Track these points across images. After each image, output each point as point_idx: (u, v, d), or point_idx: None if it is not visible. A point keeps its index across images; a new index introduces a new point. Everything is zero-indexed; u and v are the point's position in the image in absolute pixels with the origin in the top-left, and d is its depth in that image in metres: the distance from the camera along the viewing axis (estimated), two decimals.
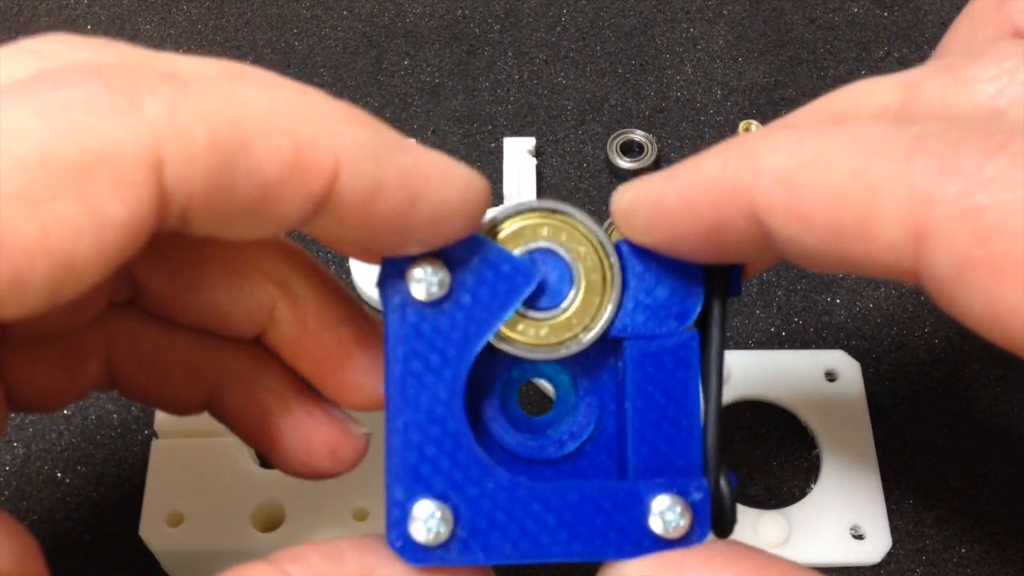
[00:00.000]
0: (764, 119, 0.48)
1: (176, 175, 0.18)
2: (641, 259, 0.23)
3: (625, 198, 0.22)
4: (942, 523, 0.37)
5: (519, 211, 0.23)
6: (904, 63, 0.50)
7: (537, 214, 0.23)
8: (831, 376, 0.39)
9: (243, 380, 0.26)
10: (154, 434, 0.36)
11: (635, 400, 0.23)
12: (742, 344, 0.41)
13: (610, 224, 0.23)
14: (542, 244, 0.23)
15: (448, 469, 0.22)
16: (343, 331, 0.25)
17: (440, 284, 0.22)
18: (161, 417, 0.36)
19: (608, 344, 0.23)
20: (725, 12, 0.52)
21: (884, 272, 0.19)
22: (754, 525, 0.36)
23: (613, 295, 0.23)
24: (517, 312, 0.23)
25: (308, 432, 0.26)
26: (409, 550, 0.21)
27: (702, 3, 0.53)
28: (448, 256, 0.22)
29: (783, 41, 0.51)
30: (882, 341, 0.42)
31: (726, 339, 0.23)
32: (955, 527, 0.37)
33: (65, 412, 0.40)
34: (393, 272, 0.22)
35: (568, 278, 0.23)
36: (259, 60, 0.51)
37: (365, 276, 0.42)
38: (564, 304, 0.23)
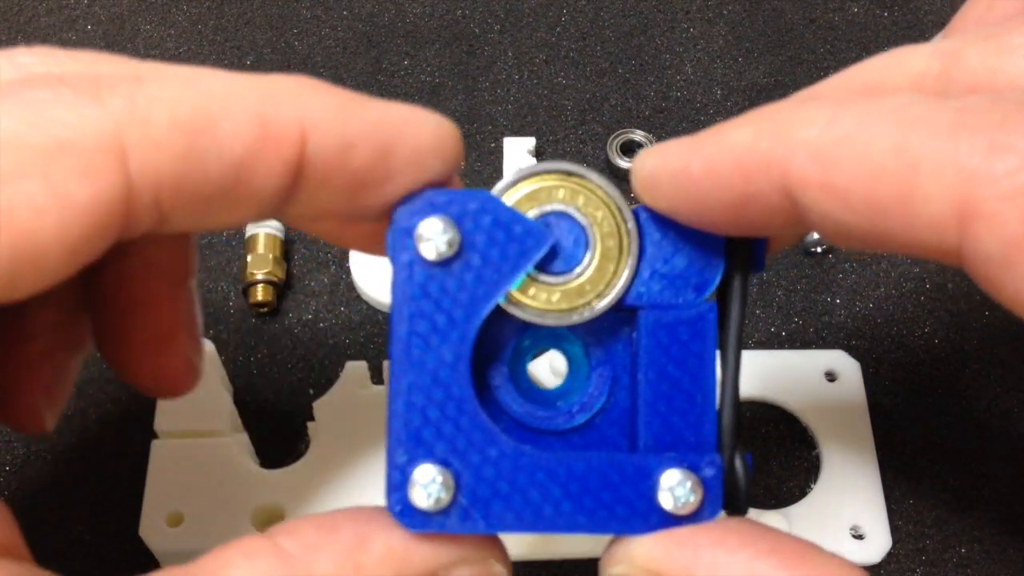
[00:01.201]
0: None
1: (141, 160, 0.18)
2: (660, 226, 0.22)
3: (647, 165, 0.22)
4: (942, 523, 0.37)
5: (535, 172, 0.22)
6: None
7: (554, 176, 0.22)
8: (831, 376, 0.39)
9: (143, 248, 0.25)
10: (154, 434, 0.36)
11: (648, 372, 0.22)
12: (742, 344, 0.41)
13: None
14: (557, 207, 0.22)
15: (451, 434, 0.21)
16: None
17: (449, 243, 0.21)
18: (161, 417, 0.36)
19: (623, 313, 0.23)
20: (725, 12, 0.52)
21: (924, 252, 0.18)
22: None
23: (629, 262, 0.22)
24: (529, 276, 0.22)
25: (167, 343, 0.26)
26: (408, 515, 0.21)
27: (702, 3, 0.53)
28: (459, 215, 0.21)
29: (783, 41, 0.51)
30: (882, 341, 0.42)
31: (746, 315, 0.22)
32: (955, 527, 0.37)
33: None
34: (401, 229, 0.21)
35: (583, 243, 0.22)
36: (259, 60, 0.51)
37: (365, 276, 0.42)
38: (578, 269, 0.22)
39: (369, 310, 0.43)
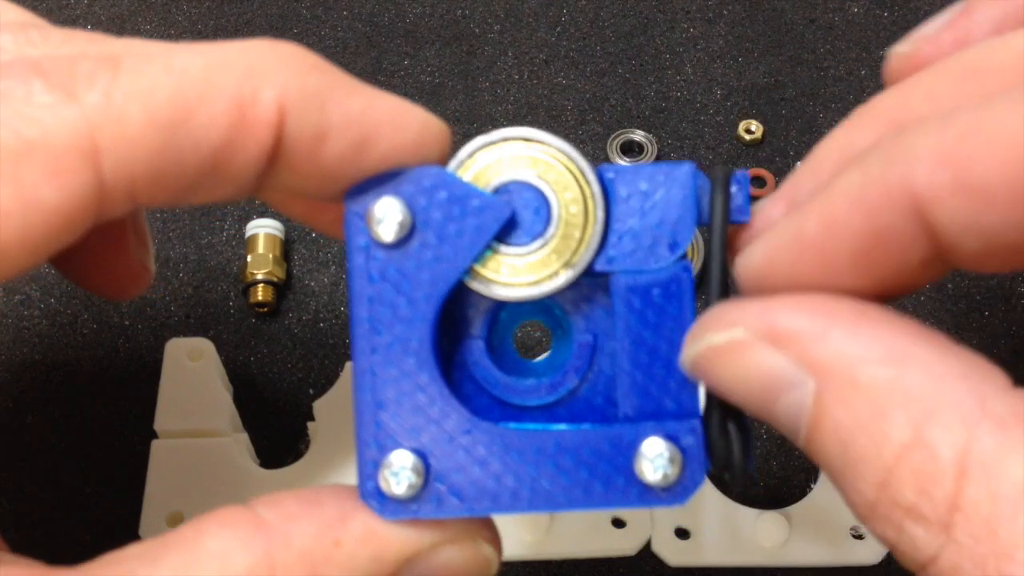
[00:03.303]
0: (764, 119, 0.48)
1: (115, 160, 0.18)
2: (627, 183, 0.21)
3: (755, 254, 0.20)
4: None
5: (491, 141, 0.22)
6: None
7: (510, 143, 0.21)
8: None
9: None
10: (154, 434, 0.36)
11: (623, 339, 0.21)
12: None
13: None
14: (516, 176, 0.21)
15: (420, 419, 0.21)
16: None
17: (404, 224, 0.21)
18: (161, 417, 0.36)
19: (599, 279, 0.22)
20: (725, 12, 0.52)
21: None
22: (753, 525, 0.36)
23: (596, 227, 0.21)
24: (491, 250, 0.21)
25: (118, 252, 0.26)
26: (381, 503, 0.21)
27: (702, 3, 0.53)
28: (412, 194, 0.21)
29: (783, 41, 0.51)
30: None
31: (728, 278, 0.21)
32: None
33: (65, 412, 0.40)
34: (354, 212, 0.21)
35: (545, 211, 0.21)
36: None
37: None
38: (542, 240, 0.21)
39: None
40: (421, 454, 0.21)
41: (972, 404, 0.17)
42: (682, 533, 0.36)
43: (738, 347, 0.19)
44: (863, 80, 0.50)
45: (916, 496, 0.16)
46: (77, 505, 0.37)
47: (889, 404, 0.17)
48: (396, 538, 0.21)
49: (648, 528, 0.36)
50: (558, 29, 0.52)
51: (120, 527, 0.36)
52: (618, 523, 0.36)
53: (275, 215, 0.44)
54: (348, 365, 0.38)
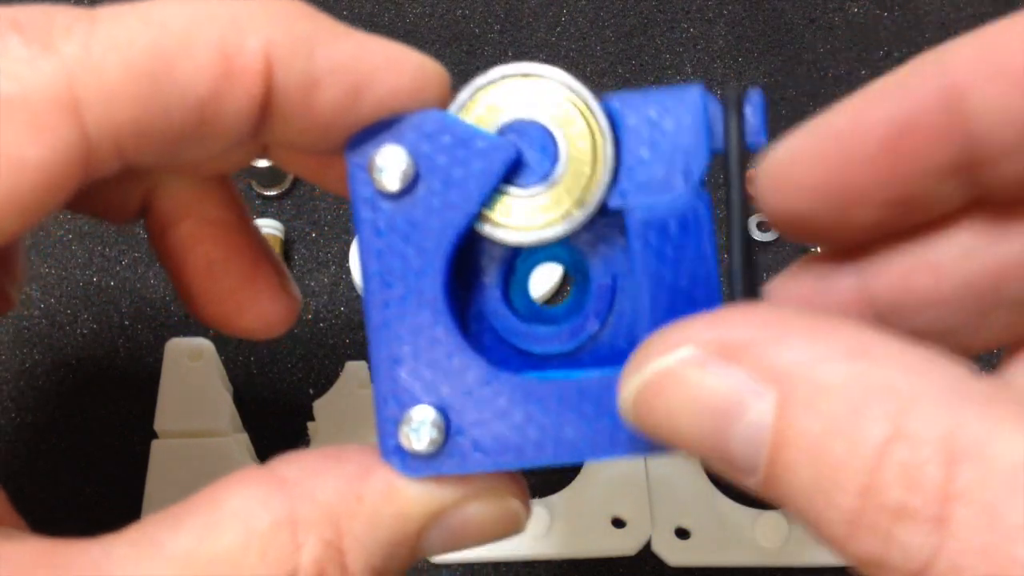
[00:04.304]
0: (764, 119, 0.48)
1: (97, 113, 0.18)
2: (634, 111, 0.20)
3: (780, 152, 0.19)
4: None
5: (491, 81, 0.21)
6: (904, 63, 0.50)
7: (513, 80, 0.21)
8: None
9: (186, 203, 0.25)
10: (154, 434, 0.36)
11: (642, 277, 0.20)
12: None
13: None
14: (519, 115, 0.20)
15: (438, 373, 0.20)
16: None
17: (408, 171, 0.20)
18: (161, 417, 0.36)
19: (614, 218, 0.21)
20: (725, 12, 0.52)
21: None
22: (753, 525, 0.36)
23: (605, 162, 0.20)
24: (500, 193, 0.20)
25: (248, 284, 0.25)
26: (402, 459, 0.20)
27: (702, 3, 0.53)
28: (415, 141, 0.20)
29: (783, 41, 0.51)
30: None
31: (749, 202, 0.20)
32: None
33: (65, 412, 0.40)
34: (356, 164, 0.20)
35: (552, 149, 0.20)
36: None
37: None
38: (551, 178, 0.20)
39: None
40: (441, 409, 0.20)
41: (949, 389, 0.15)
42: (682, 533, 0.36)
43: (687, 367, 0.17)
44: (863, 80, 0.49)
45: (904, 493, 0.15)
46: (77, 505, 0.37)
47: (862, 401, 0.15)
48: (419, 495, 0.20)
49: (648, 528, 0.36)
50: (558, 29, 0.52)
51: (120, 527, 0.36)
52: (618, 523, 0.36)
53: (275, 215, 0.44)
54: (348, 365, 0.38)
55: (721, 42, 0.51)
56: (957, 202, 0.19)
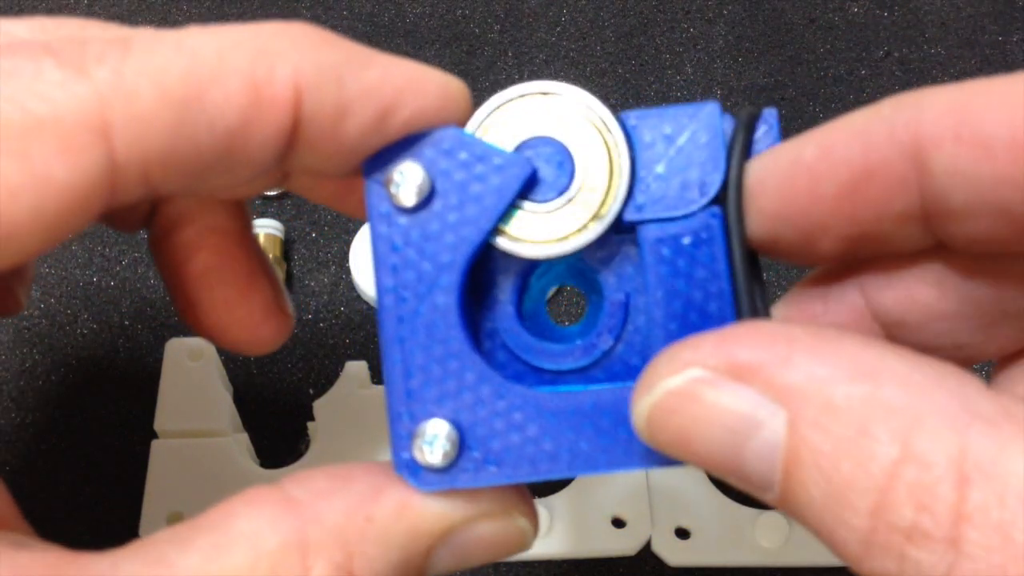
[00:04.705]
0: None
1: (127, 138, 0.18)
2: (650, 128, 0.21)
3: (755, 167, 0.20)
4: None
5: (508, 99, 0.21)
6: (904, 63, 0.50)
7: (529, 98, 0.21)
8: None
9: (192, 209, 0.25)
10: (154, 434, 0.36)
11: (656, 292, 0.20)
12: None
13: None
14: (536, 131, 0.21)
15: (452, 386, 0.20)
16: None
17: (424, 187, 0.20)
18: (161, 417, 0.36)
19: (628, 235, 0.21)
20: (725, 12, 0.52)
21: None
22: (753, 525, 0.36)
23: (621, 177, 0.21)
24: (516, 208, 0.21)
25: (243, 296, 0.25)
26: (416, 474, 0.20)
27: (702, 3, 0.53)
28: (432, 158, 0.20)
29: (783, 41, 0.51)
30: None
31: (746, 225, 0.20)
32: None
33: (65, 412, 0.40)
34: (373, 180, 0.21)
35: (569, 165, 0.21)
36: None
37: (365, 276, 0.42)
38: (567, 194, 0.21)
39: (369, 310, 0.43)
40: (455, 422, 0.20)
41: (957, 408, 0.16)
42: (682, 533, 0.36)
43: (699, 387, 0.17)
44: (863, 80, 0.50)
45: (916, 514, 0.15)
46: (77, 505, 0.37)
47: (870, 421, 0.16)
48: (430, 512, 0.20)
49: (648, 528, 0.36)
50: (558, 29, 0.52)
51: (120, 527, 0.36)
52: (618, 523, 0.36)
53: (275, 215, 0.44)
54: (348, 365, 0.38)
55: (721, 42, 0.51)
56: (922, 243, 0.19)
